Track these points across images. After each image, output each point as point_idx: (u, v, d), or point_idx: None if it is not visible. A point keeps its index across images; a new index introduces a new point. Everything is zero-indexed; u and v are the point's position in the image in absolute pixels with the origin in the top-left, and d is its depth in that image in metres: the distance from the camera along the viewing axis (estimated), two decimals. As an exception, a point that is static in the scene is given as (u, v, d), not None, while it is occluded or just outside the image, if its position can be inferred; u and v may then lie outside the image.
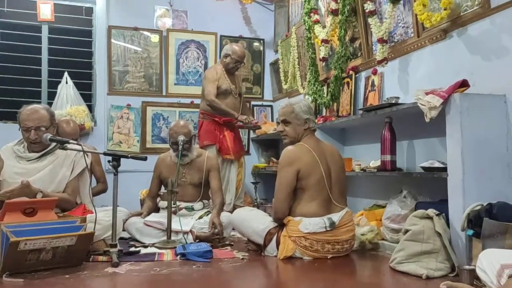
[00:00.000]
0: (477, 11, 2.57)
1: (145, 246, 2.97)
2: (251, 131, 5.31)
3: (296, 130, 2.80)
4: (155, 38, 5.17)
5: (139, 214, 3.31)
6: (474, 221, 2.15)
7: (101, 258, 2.53)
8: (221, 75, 4.24)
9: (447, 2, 2.58)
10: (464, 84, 2.43)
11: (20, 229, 2.23)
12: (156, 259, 2.63)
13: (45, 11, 4.79)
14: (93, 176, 3.83)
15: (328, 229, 2.56)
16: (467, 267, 2.04)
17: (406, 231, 2.35)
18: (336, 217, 2.61)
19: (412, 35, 3.10)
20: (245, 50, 5.38)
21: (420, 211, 2.37)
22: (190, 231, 3.09)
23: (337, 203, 2.68)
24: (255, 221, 2.81)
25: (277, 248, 2.64)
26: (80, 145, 2.69)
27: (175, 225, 3.01)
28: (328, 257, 2.58)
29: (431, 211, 2.32)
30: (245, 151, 4.62)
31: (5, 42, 4.77)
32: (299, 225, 2.58)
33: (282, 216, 2.66)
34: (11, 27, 4.78)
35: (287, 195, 2.65)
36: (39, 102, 4.47)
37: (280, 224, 2.69)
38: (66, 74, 4.71)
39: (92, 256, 2.54)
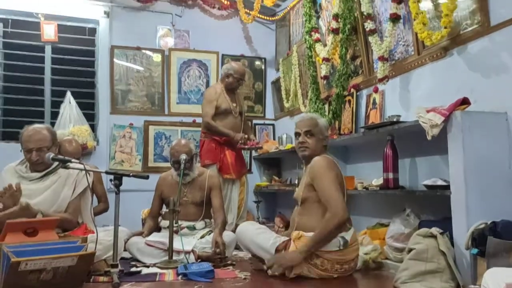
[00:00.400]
0: (476, 30, 2.59)
1: (147, 266, 2.94)
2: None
3: (317, 144, 2.74)
4: (157, 57, 5.22)
5: (140, 234, 3.29)
6: (478, 239, 2.13)
7: (102, 278, 2.51)
8: (220, 94, 4.21)
9: (447, 20, 2.60)
10: (465, 101, 2.43)
11: (21, 249, 2.21)
12: (157, 279, 2.60)
13: (49, 32, 4.84)
14: (94, 196, 3.82)
15: (341, 248, 2.50)
16: (472, 286, 2.01)
17: (410, 250, 2.33)
18: (348, 236, 2.55)
19: (413, 53, 3.12)
20: (247, 68, 5.44)
21: (424, 230, 2.35)
22: (192, 250, 3.06)
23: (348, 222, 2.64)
24: (262, 236, 2.74)
25: None
26: (82, 164, 2.69)
27: (176, 245, 2.99)
28: (334, 276, 2.52)
29: (434, 230, 2.30)
30: (247, 170, 4.58)
31: (8, 62, 4.83)
32: None
33: (348, 216, 2.52)
34: (15, 47, 4.84)
35: (341, 194, 2.54)
36: (42, 122, 4.50)
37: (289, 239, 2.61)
38: (69, 93, 4.75)
39: (93, 276, 2.51)
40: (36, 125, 2.79)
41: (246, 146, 4.19)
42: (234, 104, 4.26)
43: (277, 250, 2.62)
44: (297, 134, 2.81)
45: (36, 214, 2.54)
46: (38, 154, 2.67)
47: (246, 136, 4.21)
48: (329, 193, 2.54)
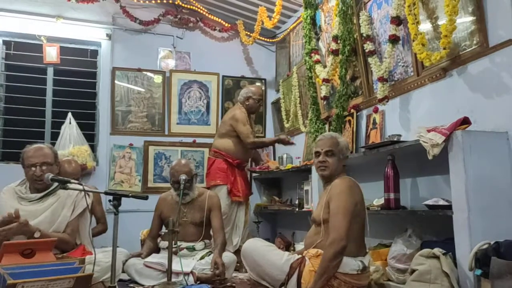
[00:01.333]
0: (476, 50, 2.61)
1: (145, 288, 2.90)
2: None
3: (338, 164, 2.66)
4: (158, 78, 5.25)
5: (139, 255, 3.25)
6: (482, 260, 2.10)
7: (99, 301, 2.47)
8: (247, 117, 4.30)
9: (446, 41, 2.62)
10: (465, 121, 2.43)
11: (17, 271, 2.18)
12: (156, 301, 2.56)
13: (51, 54, 4.89)
14: (93, 216, 3.80)
15: (360, 272, 2.43)
16: (477, 309, 1.97)
17: (413, 271, 2.30)
18: (366, 261, 2.48)
19: (412, 73, 3.14)
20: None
21: (426, 250, 2.32)
22: (191, 272, 3.03)
23: (365, 245, 2.60)
24: (274, 253, 2.62)
25: (297, 284, 2.45)
26: (81, 184, 2.67)
27: (175, 266, 2.95)
28: None
29: (437, 250, 2.27)
30: (251, 192, 4.57)
31: (11, 84, 4.85)
32: None
33: (347, 243, 2.37)
34: (17, 69, 4.88)
35: (349, 222, 2.40)
36: (42, 143, 4.49)
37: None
38: (70, 114, 4.76)
39: (90, 298, 2.48)
40: (39, 144, 2.81)
41: (291, 141, 4.35)
42: (252, 128, 4.37)
43: (291, 267, 2.50)
44: (317, 153, 2.71)
45: (34, 232, 2.51)
46: (41, 169, 2.67)
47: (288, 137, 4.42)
48: (336, 218, 2.43)
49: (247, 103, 4.33)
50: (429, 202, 2.61)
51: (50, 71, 4.98)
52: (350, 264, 2.41)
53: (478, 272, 2.10)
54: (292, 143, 4.42)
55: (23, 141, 4.39)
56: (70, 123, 4.73)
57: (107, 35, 5.09)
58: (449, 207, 2.41)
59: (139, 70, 5.17)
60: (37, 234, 2.52)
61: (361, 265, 2.44)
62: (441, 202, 2.54)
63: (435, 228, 2.77)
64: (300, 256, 2.59)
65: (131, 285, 2.99)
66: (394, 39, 3.14)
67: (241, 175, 4.29)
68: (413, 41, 2.87)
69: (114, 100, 5.06)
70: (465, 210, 2.26)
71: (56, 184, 2.73)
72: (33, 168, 2.67)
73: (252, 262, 2.66)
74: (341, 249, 2.35)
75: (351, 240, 2.43)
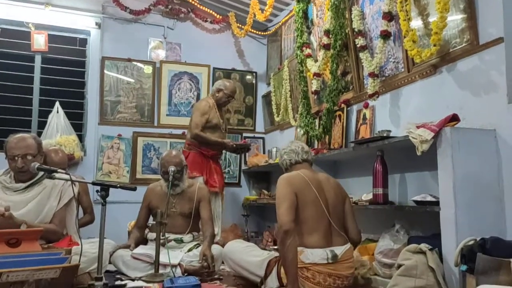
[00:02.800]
0: (465, 48, 2.62)
1: (132, 280, 2.88)
2: (243, 163, 5.31)
3: None
4: (148, 69, 5.21)
5: (127, 247, 3.23)
6: (468, 256, 2.12)
7: (85, 292, 2.45)
8: (212, 108, 4.25)
9: (437, 38, 2.63)
10: (454, 118, 2.45)
11: (2, 260, 2.16)
12: (142, 293, 2.55)
13: (39, 41, 4.81)
14: (79, 207, 3.77)
15: (330, 261, 2.46)
16: (461, 303, 1.99)
17: (399, 266, 2.32)
18: (339, 250, 2.52)
19: (403, 70, 3.15)
20: (238, 82, 5.46)
21: (413, 246, 2.34)
22: (179, 264, 3.02)
23: (340, 235, 2.61)
24: (252, 253, 2.73)
25: (278, 280, 2.54)
26: (68, 174, 2.63)
27: (163, 258, 2.94)
28: None
29: (424, 246, 2.29)
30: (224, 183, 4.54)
31: (-3, 71, 4.78)
32: (301, 255, 2.47)
33: (289, 227, 2.45)
34: (4, 56, 4.79)
35: (289, 208, 2.50)
36: (29, 131, 4.45)
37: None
38: (57, 103, 4.70)
39: (76, 289, 2.46)
40: (22, 134, 2.75)
41: (240, 142, 4.28)
42: (222, 120, 4.31)
43: (270, 264, 2.60)
44: None
45: (20, 224, 2.48)
46: (23, 161, 2.62)
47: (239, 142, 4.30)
48: (277, 210, 2.57)
49: (217, 94, 4.33)
50: (417, 198, 2.64)
51: (38, 59, 4.91)
52: (317, 255, 2.47)
53: (464, 268, 2.13)
54: (242, 148, 4.40)
55: (9, 130, 4.35)
56: (57, 112, 4.67)
57: (96, 23, 5.03)
58: (437, 203, 2.43)
59: (129, 60, 5.12)
60: (23, 227, 2.48)
61: (330, 254, 2.48)
62: (429, 198, 2.56)
63: (422, 223, 2.80)
64: (277, 254, 2.66)
65: (118, 276, 2.97)
66: (385, 35, 3.15)
67: (216, 166, 4.29)
68: (404, 37, 2.88)
69: (103, 90, 5.01)
70: (452, 206, 2.29)
71: (41, 173, 2.69)
72: (16, 159, 2.63)
73: (233, 264, 2.84)
74: (283, 233, 2.44)
75: (311, 231, 2.53)
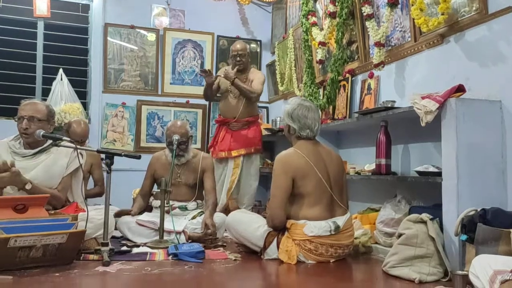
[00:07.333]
0: (474, 17, 2.57)
1: (137, 246, 2.94)
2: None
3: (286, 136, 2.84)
4: (151, 36, 5.15)
5: (128, 213, 3.25)
6: (468, 226, 2.15)
7: (92, 256, 2.51)
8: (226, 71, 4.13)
9: (445, 7, 2.58)
10: (460, 89, 2.42)
11: (10, 225, 2.20)
12: (147, 258, 2.61)
13: (42, 7, 4.75)
14: (91, 178, 3.82)
15: (333, 233, 2.52)
16: (460, 272, 2.03)
17: (400, 235, 2.35)
18: (340, 221, 2.57)
19: (409, 39, 3.10)
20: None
21: (414, 215, 2.36)
22: (183, 231, 3.07)
23: (340, 206, 2.65)
24: (254, 223, 2.76)
25: (277, 248, 2.59)
26: (72, 142, 2.63)
27: (167, 225, 2.99)
28: (331, 261, 2.55)
29: (425, 216, 2.31)
30: (249, 151, 4.24)
31: (0, 37, 4.73)
32: (304, 228, 2.52)
33: (279, 223, 2.59)
34: (6, 22, 4.75)
35: (283, 202, 2.59)
36: (33, 99, 4.44)
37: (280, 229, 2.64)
38: (61, 71, 4.69)
39: (83, 254, 2.51)
40: (36, 100, 2.77)
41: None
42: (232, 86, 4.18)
43: (270, 235, 2.64)
44: None
45: (26, 183, 2.51)
46: (28, 123, 2.63)
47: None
48: (270, 199, 2.67)
49: (230, 59, 4.34)
50: (420, 168, 2.65)
51: (40, 25, 4.86)
52: (321, 227, 2.51)
53: (464, 237, 2.15)
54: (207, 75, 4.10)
55: (13, 97, 4.37)
56: (61, 79, 4.66)
57: (99, -11, 4.95)
58: (439, 174, 2.44)
59: (132, 27, 5.06)
60: (28, 186, 2.51)
61: (333, 225, 2.53)
62: (431, 169, 2.57)
63: (424, 194, 2.82)
64: None
65: (124, 242, 3.03)
66: (393, 3, 3.09)
67: (228, 132, 4.19)
68: (412, 5, 2.82)
69: (106, 58, 4.97)
70: (454, 177, 2.29)
71: (49, 142, 2.71)
72: (22, 120, 2.65)
73: (236, 233, 2.85)
74: (273, 225, 2.64)
75: (313, 204, 2.57)
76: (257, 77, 4.16)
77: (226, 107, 4.20)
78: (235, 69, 4.06)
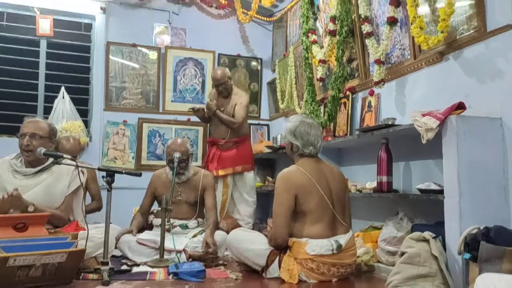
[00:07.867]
0: (473, 35, 2.59)
1: (137, 265, 2.91)
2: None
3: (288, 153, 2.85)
4: (153, 55, 5.19)
5: (130, 232, 3.23)
6: (471, 244, 2.13)
7: (91, 276, 2.48)
8: (213, 99, 4.28)
9: (444, 25, 2.60)
10: (460, 106, 2.43)
11: (10, 244, 2.19)
12: (148, 278, 2.58)
13: (44, 26, 4.81)
14: (88, 194, 3.80)
15: (335, 252, 2.48)
16: (463, 291, 2.01)
17: (402, 253, 2.33)
18: (343, 240, 2.54)
19: (409, 57, 3.12)
20: (243, 68, 5.44)
21: (417, 234, 2.34)
22: (184, 250, 3.05)
23: (342, 224, 2.62)
24: (256, 242, 2.72)
25: (279, 267, 2.56)
26: (74, 160, 2.65)
27: (168, 244, 2.97)
28: (333, 281, 2.51)
29: (427, 234, 2.30)
30: (236, 170, 4.26)
31: (2, 56, 4.77)
32: (306, 246, 2.49)
33: (282, 242, 2.56)
34: (10, 41, 4.79)
35: (286, 220, 2.55)
36: (35, 116, 4.45)
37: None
38: (63, 88, 4.72)
39: (82, 273, 2.49)
40: (38, 117, 2.78)
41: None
42: (222, 108, 4.21)
43: (273, 253, 2.61)
44: None
45: (27, 205, 2.50)
46: (30, 140, 2.63)
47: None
48: (273, 218, 2.64)
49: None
50: (421, 186, 2.64)
51: (43, 43, 4.90)
52: (322, 246, 2.48)
53: (467, 256, 2.13)
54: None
55: (15, 115, 4.38)
56: (63, 97, 4.68)
57: (101, 8, 5.01)
58: (441, 191, 2.43)
59: (134, 45, 5.11)
60: (30, 208, 2.50)
61: (335, 244, 2.50)
62: (433, 187, 2.56)
63: (426, 212, 2.80)
64: None
65: (124, 261, 3.01)
66: (392, 21, 3.12)
67: (218, 151, 4.25)
68: (411, 24, 2.85)
69: (108, 76, 5.01)
70: (456, 194, 2.28)
71: (51, 160, 2.71)
72: (24, 137, 2.65)
73: (237, 252, 2.81)
74: (276, 244, 2.60)
75: (315, 222, 2.55)
76: (239, 102, 4.18)
77: (215, 129, 4.29)
78: (214, 101, 4.16)
